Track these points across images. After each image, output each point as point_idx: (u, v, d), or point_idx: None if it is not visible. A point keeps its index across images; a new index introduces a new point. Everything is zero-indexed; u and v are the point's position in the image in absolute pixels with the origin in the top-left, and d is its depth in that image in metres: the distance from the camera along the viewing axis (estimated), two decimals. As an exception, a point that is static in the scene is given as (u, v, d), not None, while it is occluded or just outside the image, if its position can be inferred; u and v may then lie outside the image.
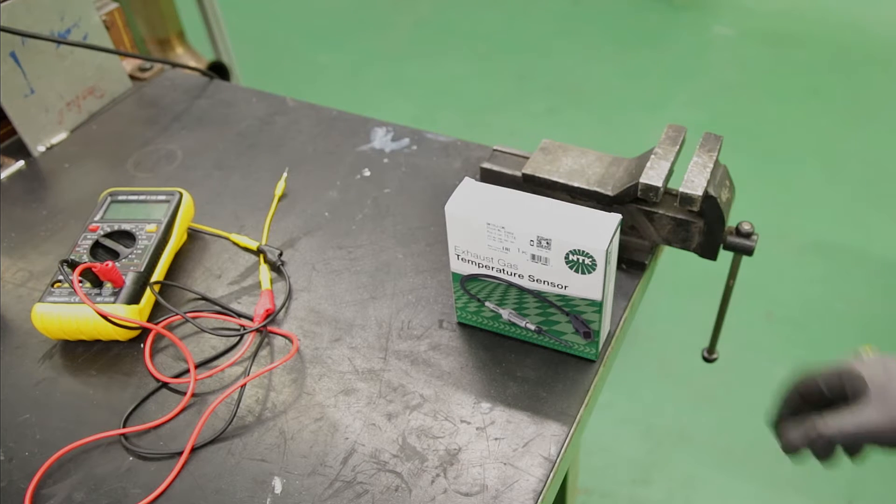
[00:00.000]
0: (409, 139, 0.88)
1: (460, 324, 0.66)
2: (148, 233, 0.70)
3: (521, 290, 0.59)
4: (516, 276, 0.58)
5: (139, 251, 0.69)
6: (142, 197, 0.75)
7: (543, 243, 0.54)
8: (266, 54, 2.81)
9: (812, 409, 0.55)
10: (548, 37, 2.89)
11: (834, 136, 2.31)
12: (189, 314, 0.66)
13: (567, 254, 0.54)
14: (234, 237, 0.76)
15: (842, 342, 1.73)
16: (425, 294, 0.69)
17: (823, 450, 0.52)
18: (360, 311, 0.68)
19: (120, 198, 0.75)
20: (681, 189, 0.62)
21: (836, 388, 0.53)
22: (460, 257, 0.60)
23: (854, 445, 0.51)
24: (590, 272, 0.55)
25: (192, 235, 0.77)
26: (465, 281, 0.61)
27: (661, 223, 0.67)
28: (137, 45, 1.42)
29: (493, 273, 0.59)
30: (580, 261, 0.54)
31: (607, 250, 0.53)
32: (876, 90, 2.51)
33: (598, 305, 0.57)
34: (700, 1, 3.06)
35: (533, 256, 0.56)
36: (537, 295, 0.59)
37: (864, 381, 0.51)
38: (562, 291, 0.57)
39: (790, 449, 0.53)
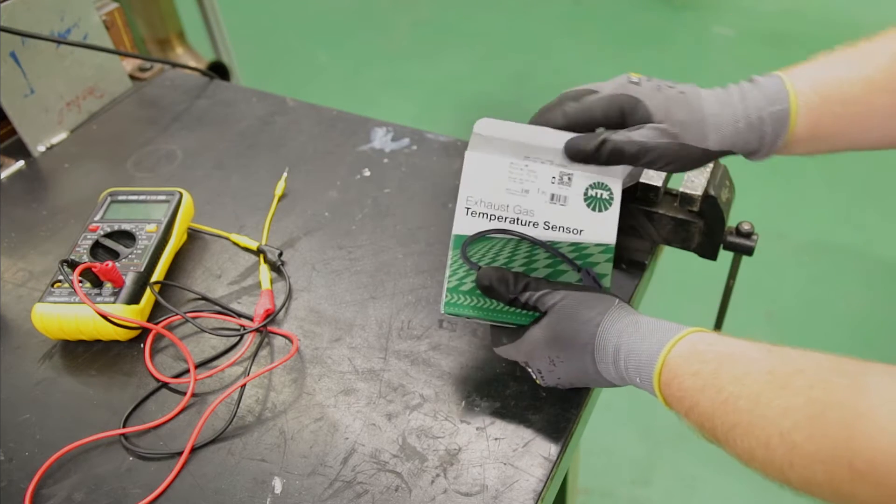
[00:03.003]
0: (409, 139, 0.88)
1: (460, 323, 0.66)
2: (148, 233, 0.70)
3: (533, 244, 0.57)
4: (530, 224, 0.57)
5: (139, 251, 0.69)
6: (142, 197, 0.75)
7: (565, 179, 0.56)
8: (266, 54, 2.80)
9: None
10: (548, 37, 2.89)
11: (834, 136, 2.31)
12: (189, 314, 0.66)
13: (587, 189, 0.57)
14: (234, 237, 0.76)
15: (841, 342, 1.73)
16: (425, 294, 0.69)
17: (611, 154, 0.53)
18: (360, 311, 0.68)
19: (120, 198, 0.75)
20: (681, 189, 0.63)
21: (613, 114, 0.54)
22: (471, 210, 0.57)
23: (638, 154, 0.53)
24: (606, 208, 0.57)
25: (192, 235, 0.77)
26: (470, 243, 0.57)
27: (661, 223, 0.67)
28: (137, 45, 1.42)
29: (506, 225, 0.57)
30: (599, 196, 0.57)
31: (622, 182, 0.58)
32: (876, 90, 2.51)
33: (611, 252, 0.58)
34: (700, 1, 3.06)
35: (552, 196, 0.57)
36: (549, 248, 0.57)
37: (643, 104, 0.53)
38: (576, 238, 0.57)
39: (573, 151, 0.55)
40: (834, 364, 0.42)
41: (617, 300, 0.53)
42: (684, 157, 0.53)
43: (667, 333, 0.49)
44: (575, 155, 0.55)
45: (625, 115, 0.53)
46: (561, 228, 0.57)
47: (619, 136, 0.53)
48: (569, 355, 0.53)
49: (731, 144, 0.53)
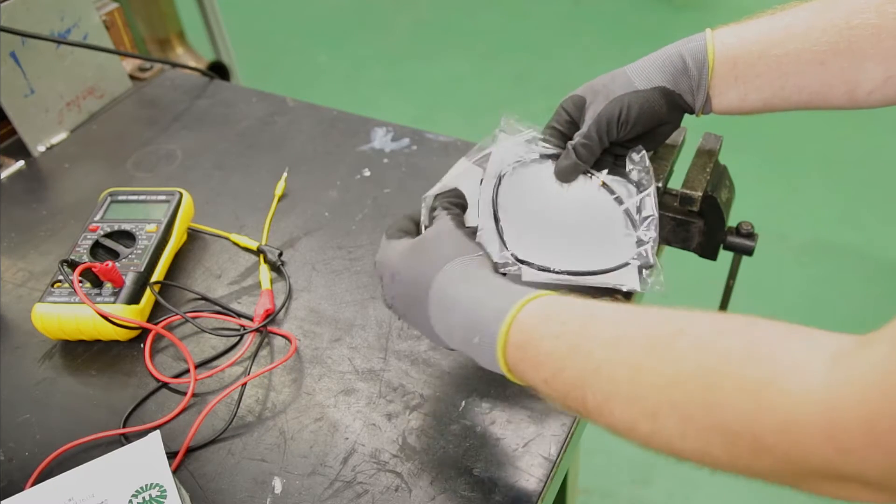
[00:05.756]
0: (409, 139, 0.88)
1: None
2: (148, 233, 0.70)
3: None
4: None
5: (139, 251, 0.69)
6: (142, 197, 0.75)
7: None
8: (266, 54, 2.81)
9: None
10: (548, 37, 2.89)
11: (834, 136, 2.31)
12: (189, 314, 0.66)
13: None
14: (234, 237, 0.76)
15: (842, 342, 1.72)
16: (425, 294, 0.69)
17: (585, 151, 0.60)
18: (360, 311, 0.68)
19: (120, 198, 0.75)
20: (681, 189, 0.62)
21: (573, 109, 0.62)
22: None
23: (600, 132, 0.59)
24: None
25: (192, 235, 0.77)
26: None
27: (661, 223, 0.67)
28: (137, 45, 1.42)
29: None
30: None
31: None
32: (876, 90, 2.50)
33: None
34: (700, 1, 3.06)
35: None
36: None
37: (580, 97, 0.62)
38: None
39: (565, 175, 0.62)
40: (714, 323, 0.38)
41: (481, 253, 0.50)
42: (630, 107, 0.58)
43: (519, 293, 0.45)
44: (567, 176, 0.61)
45: (580, 112, 0.61)
46: None
47: (576, 138, 0.60)
48: (408, 272, 0.50)
49: (659, 81, 0.58)
